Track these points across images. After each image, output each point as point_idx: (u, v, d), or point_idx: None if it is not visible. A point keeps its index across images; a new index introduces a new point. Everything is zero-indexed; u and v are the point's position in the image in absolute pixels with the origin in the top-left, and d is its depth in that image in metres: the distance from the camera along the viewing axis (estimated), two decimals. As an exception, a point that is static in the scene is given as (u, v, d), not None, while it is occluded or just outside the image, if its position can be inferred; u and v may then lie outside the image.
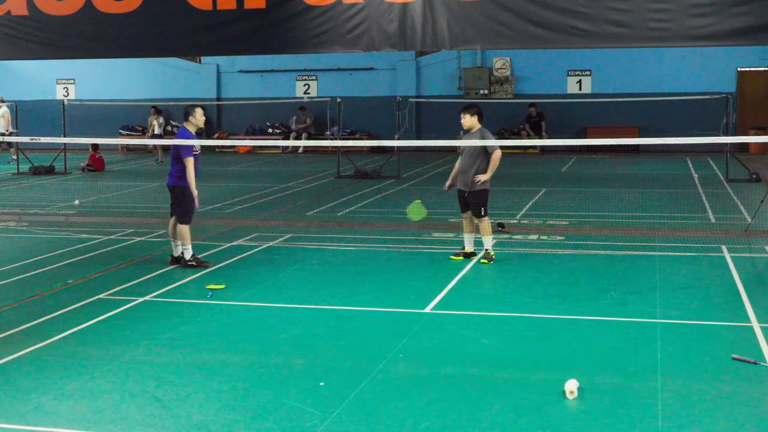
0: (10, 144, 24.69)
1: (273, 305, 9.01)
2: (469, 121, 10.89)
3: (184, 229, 10.63)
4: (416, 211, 11.87)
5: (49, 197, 17.98)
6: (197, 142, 10.73)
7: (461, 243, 11.31)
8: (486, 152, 10.75)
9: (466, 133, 11.09)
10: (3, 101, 25.94)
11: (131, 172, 24.16)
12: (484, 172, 10.75)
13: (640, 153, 26.32)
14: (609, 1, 10.98)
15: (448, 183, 11.32)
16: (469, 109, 10.98)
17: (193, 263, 10.61)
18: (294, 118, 29.50)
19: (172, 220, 10.84)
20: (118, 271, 10.59)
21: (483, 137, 10.77)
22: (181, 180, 10.60)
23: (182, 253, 10.70)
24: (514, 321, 8.31)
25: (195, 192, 10.60)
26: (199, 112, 10.83)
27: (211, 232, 13.21)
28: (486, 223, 10.91)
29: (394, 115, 22.89)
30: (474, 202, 10.88)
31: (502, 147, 11.08)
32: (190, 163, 10.49)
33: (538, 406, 6.07)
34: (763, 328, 7.84)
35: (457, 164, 11.10)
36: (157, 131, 26.60)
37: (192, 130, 10.86)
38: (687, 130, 22.45)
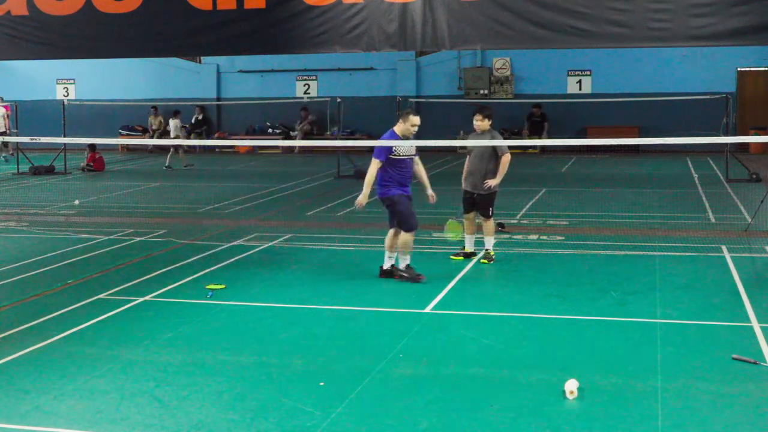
0: (5, 144, 24.62)
1: (273, 305, 9.00)
2: (484, 124, 10.70)
3: (406, 237, 9.80)
4: (453, 229, 11.62)
5: (49, 197, 17.97)
6: (387, 143, 9.81)
7: (461, 243, 11.31)
8: (495, 154, 10.69)
9: (470, 133, 11.03)
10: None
11: (131, 172, 24.16)
12: (494, 174, 10.72)
13: (640, 153, 26.31)
14: (609, 1, 10.99)
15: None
16: (484, 111, 10.74)
17: (405, 275, 9.80)
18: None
19: (390, 232, 10.00)
20: (118, 271, 10.58)
21: (493, 138, 10.71)
22: (386, 189, 9.87)
23: (392, 265, 9.97)
24: (514, 321, 8.30)
25: (363, 198, 9.83)
26: (412, 120, 9.75)
27: (211, 232, 13.23)
28: (491, 223, 10.90)
29: (394, 115, 22.87)
30: (483, 203, 10.84)
31: (502, 147, 11.02)
32: (373, 164, 9.85)
33: (538, 406, 6.06)
34: (763, 328, 7.83)
35: (466, 165, 11.04)
36: (173, 134, 25.09)
37: (400, 133, 9.90)
38: (687, 130, 22.44)
